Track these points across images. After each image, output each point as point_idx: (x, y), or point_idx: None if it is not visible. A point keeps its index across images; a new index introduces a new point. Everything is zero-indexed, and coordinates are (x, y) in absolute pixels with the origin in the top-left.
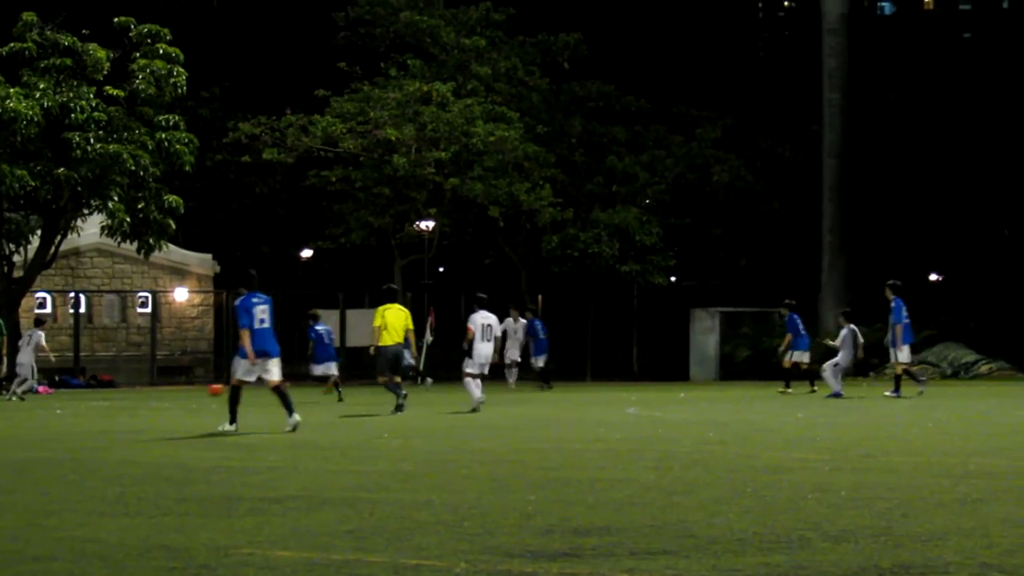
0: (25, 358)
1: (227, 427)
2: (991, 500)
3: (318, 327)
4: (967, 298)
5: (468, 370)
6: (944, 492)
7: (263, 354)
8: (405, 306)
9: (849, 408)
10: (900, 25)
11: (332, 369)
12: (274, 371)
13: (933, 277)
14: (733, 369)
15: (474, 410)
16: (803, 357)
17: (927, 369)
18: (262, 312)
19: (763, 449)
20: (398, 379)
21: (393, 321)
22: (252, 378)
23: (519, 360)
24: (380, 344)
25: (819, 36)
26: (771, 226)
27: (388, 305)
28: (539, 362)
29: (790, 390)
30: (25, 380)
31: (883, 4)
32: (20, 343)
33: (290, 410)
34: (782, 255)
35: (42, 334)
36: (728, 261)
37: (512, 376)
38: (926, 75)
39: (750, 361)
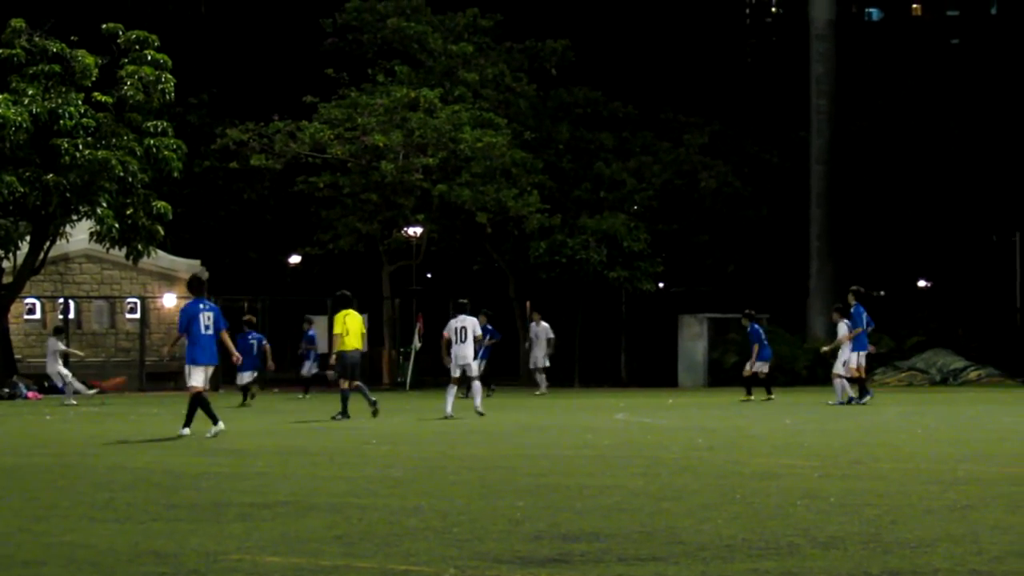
0: (50, 368)
1: (215, 429)
2: (980, 506)
3: (251, 335)
4: (956, 304)
5: (452, 374)
6: (933, 499)
7: (210, 359)
8: (394, 312)
9: (838, 414)
10: (888, 31)
11: (245, 379)
12: (202, 377)
13: (922, 283)
14: (721, 375)
15: (446, 417)
16: (763, 367)
17: (916, 375)
18: (207, 319)
19: (752, 455)
20: (357, 383)
21: (352, 327)
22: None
23: (547, 365)
24: (342, 350)
25: (807, 42)
26: (759, 232)
27: (346, 311)
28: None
29: (772, 396)
30: (74, 391)
31: (871, 10)
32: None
33: (188, 422)
34: (770, 261)
35: (56, 342)
36: (716, 267)
37: (542, 382)
38: (914, 81)
39: (738, 367)
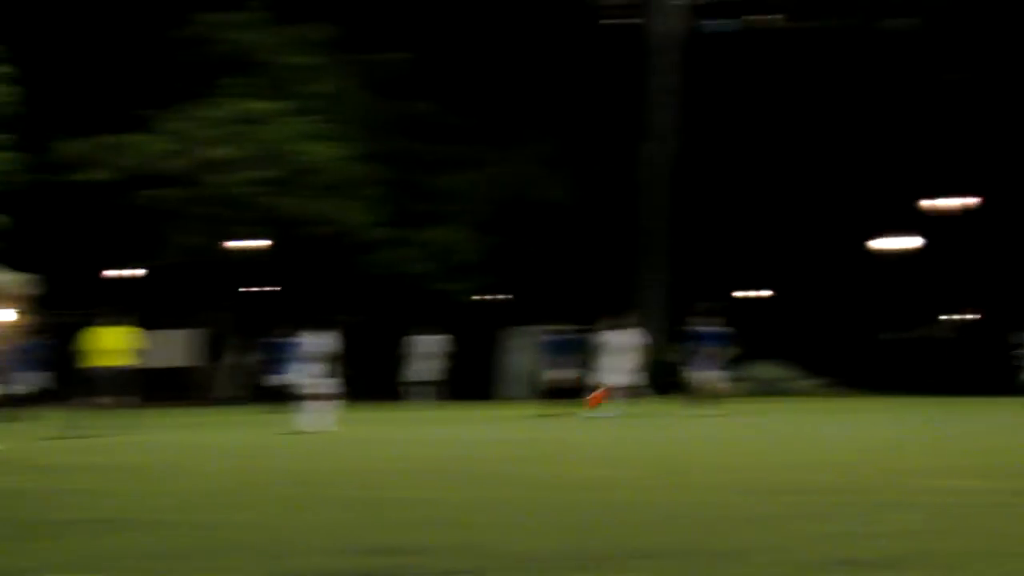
0: None
1: None
2: (798, 517)
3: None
4: (791, 315)
5: None
6: (750, 508)
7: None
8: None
9: (663, 426)
10: (736, 43)
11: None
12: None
13: (756, 293)
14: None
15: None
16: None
17: (747, 385)
18: None
19: (570, 467)
20: (136, 398)
21: (107, 343)
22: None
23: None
24: (90, 365)
25: (650, 54)
26: (593, 244)
27: (104, 327)
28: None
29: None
30: None
31: (715, 22)
32: None
33: None
34: (604, 274)
35: None
36: (548, 279)
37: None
38: (761, 93)
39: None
